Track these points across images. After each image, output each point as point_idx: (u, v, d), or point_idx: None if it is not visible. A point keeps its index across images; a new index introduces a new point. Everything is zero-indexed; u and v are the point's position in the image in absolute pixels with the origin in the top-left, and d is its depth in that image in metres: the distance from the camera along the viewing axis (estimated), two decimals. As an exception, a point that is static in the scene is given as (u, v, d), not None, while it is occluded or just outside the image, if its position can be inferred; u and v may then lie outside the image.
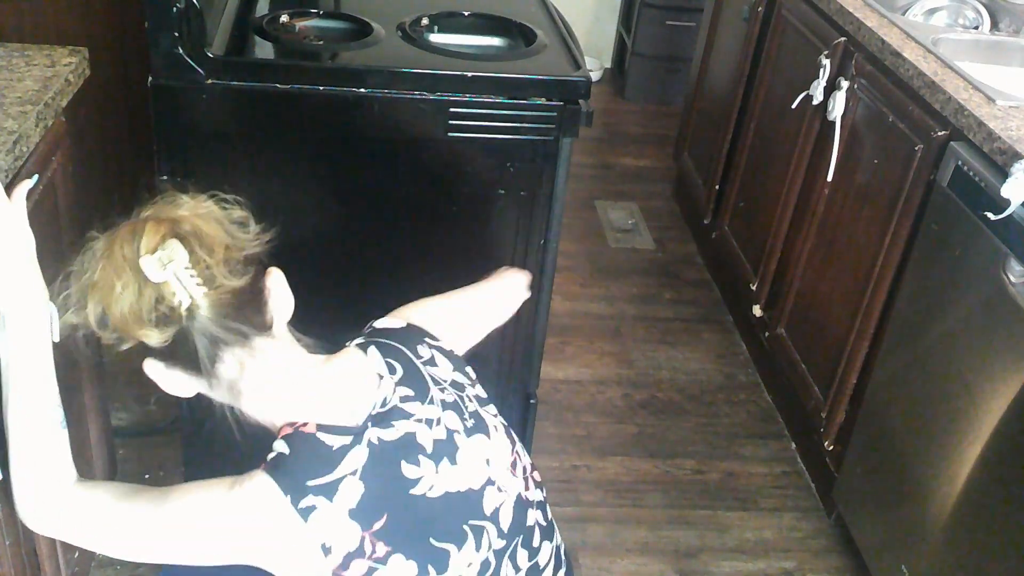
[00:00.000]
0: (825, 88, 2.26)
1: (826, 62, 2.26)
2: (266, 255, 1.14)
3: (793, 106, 2.40)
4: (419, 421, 1.16)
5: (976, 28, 2.48)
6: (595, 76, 4.45)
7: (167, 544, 1.12)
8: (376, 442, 1.12)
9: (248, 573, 1.37)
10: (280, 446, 1.10)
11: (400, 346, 1.22)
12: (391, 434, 1.13)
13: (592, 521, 2.19)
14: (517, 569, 1.23)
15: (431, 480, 1.14)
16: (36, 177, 1.32)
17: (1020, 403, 1.57)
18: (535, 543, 1.26)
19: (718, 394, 2.63)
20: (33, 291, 1.13)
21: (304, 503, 1.06)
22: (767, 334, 2.54)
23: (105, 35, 2.30)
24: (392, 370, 1.18)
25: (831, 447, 2.19)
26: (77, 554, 1.71)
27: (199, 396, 1.16)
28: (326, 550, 1.07)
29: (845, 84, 2.17)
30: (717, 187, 2.98)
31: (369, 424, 1.13)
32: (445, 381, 1.23)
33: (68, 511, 1.14)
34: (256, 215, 1.15)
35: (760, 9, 2.70)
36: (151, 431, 2.25)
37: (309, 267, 1.33)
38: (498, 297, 1.53)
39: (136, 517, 1.11)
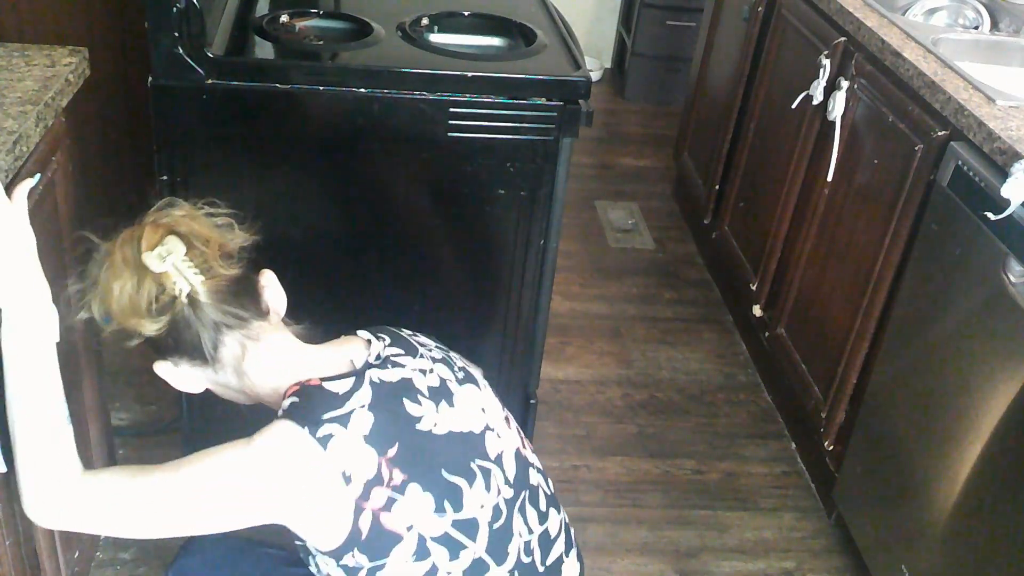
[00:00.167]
0: (825, 88, 2.26)
1: (826, 62, 2.26)
2: (260, 253, 1.23)
3: (793, 106, 2.39)
4: (413, 370, 1.24)
5: (976, 28, 2.48)
6: (595, 76, 4.45)
7: (188, 510, 1.14)
8: (377, 381, 1.19)
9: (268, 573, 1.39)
10: (290, 399, 1.16)
11: (386, 327, 1.32)
12: (390, 375, 1.21)
13: (592, 521, 2.19)
14: (530, 530, 1.27)
15: (434, 418, 1.21)
16: (38, 176, 1.32)
17: (1020, 403, 1.57)
18: (542, 506, 1.31)
19: (718, 394, 2.63)
20: (35, 289, 1.14)
21: (322, 432, 1.12)
22: (767, 334, 2.54)
23: (105, 35, 2.30)
24: (380, 338, 1.27)
25: (831, 447, 2.19)
26: (77, 554, 1.71)
27: (195, 398, 1.19)
28: (346, 478, 1.12)
29: (845, 84, 2.17)
30: (717, 187, 2.98)
31: (366, 366, 1.20)
32: (430, 345, 1.32)
33: (80, 501, 1.15)
34: (255, 215, 1.24)
35: (760, 9, 2.70)
36: (151, 431, 2.25)
37: (309, 267, 1.34)
38: None
39: (153, 489, 1.14)
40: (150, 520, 1.15)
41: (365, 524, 1.13)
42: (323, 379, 1.17)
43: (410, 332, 1.34)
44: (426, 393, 1.22)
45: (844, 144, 2.19)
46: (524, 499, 1.27)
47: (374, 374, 1.19)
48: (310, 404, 1.15)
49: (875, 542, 2.01)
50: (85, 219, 1.65)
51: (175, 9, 1.51)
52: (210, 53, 1.57)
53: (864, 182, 2.11)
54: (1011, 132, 1.66)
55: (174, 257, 1.13)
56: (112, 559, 1.95)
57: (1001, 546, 1.62)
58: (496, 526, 1.22)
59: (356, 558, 1.15)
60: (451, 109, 1.66)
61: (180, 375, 1.21)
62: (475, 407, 1.27)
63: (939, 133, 1.84)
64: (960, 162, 1.75)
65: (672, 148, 3.59)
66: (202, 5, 1.55)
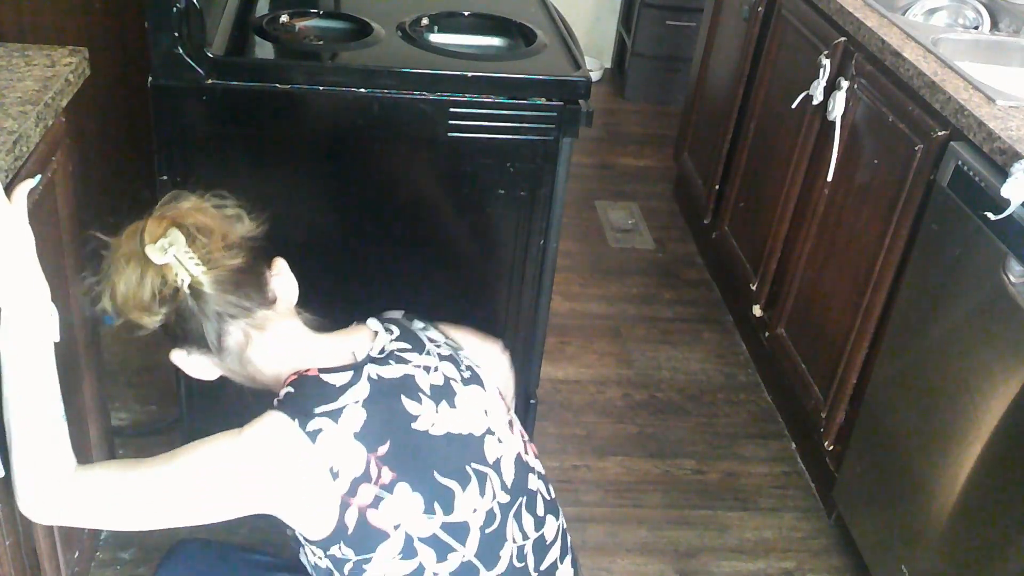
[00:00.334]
0: (825, 88, 2.26)
1: (826, 62, 2.26)
2: (267, 242, 1.24)
3: (793, 106, 2.39)
4: (417, 367, 1.24)
5: (976, 28, 2.48)
6: (595, 76, 4.45)
7: (181, 499, 1.15)
8: (375, 377, 1.19)
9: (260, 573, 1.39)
10: (286, 389, 1.18)
11: (397, 317, 1.33)
12: (389, 372, 1.21)
13: (592, 521, 2.19)
14: (524, 536, 1.26)
15: (432, 418, 1.20)
16: (38, 177, 1.32)
17: (1020, 403, 1.57)
18: (540, 511, 1.30)
19: (718, 394, 2.63)
20: (34, 288, 1.15)
21: (311, 426, 1.13)
22: (767, 334, 2.54)
23: (105, 35, 2.30)
24: (389, 331, 1.28)
25: (831, 447, 2.19)
26: (77, 554, 1.71)
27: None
28: (334, 474, 1.13)
29: (845, 84, 2.17)
30: (717, 187, 2.98)
31: (368, 361, 1.21)
32: (440, 341, 1.33)
33: (75, 496, 1.15)
34: (255, 213, 1.25)
35: (760, 9, 2.70)
36: (151, 431, 2.25)
37: (308, 266, 1.33)
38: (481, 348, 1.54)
39: (147, 479, 1.15)
40: (144, 510, 1.16)
41: (351, 520, 1.14)
42: (321, 370, 1.18)
43: (423, 325, 1.34)
44: (427, 391, 1.22)
45: (844, 144, 2.19)
46: (521, 505, 1.27)
47: (373, 370, 1.20)
48: (304, 396, 1.16)
49: (875, 542, 2.01)
50: (85, 219, 1.66)
51: (175, 9, 1.51)
52: (210, 53, 1.57)
53: (864, 182, 2.11)
54: (1011, 132, 1.66)
55: (175, 249, 1.14)
56: (112, 559, 1.95)
57: (1001, 546, 1.62)
58: (488, 531, 1.21)
59: (343, 551, 1.16)
60: (451, 109, 1.66)
61: (193, 363, 1.23)
62: (478, 409, 1.26)
63: (939, 133, 1.84)
64: (960, 162, 1.75)
65: (672, 148, 3.59)
66: (202, 5, 1.54)
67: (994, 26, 2.46)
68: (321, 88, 1.63)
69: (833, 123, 2.20)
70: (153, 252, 1.14)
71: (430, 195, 1.77)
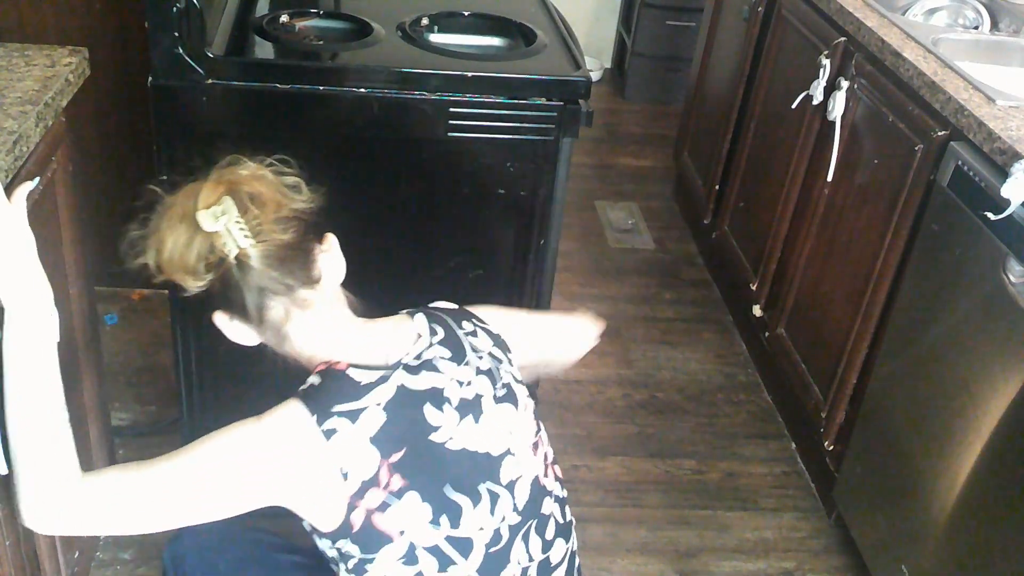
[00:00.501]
0: (825, 88, 2.26)
1: (826, 62, 2.26)
2: (321, 216, 1.23)
3: (793, 106, 2.39)
4: (451, 379, 1.21)
5: (976, 28, 2.48)
6: (595, 76, 4.45)
7: (198, 491, 1.14)
8: (404, 384, 1.18)
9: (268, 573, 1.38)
10: (313, 379, 1.18)
11: (446, 317, 1.29)
12: (418, 382, 1.19)
13: (592, 521, 2.19)
14: (530, 558, 1.25)
15: (452, 431, 1.19)
16: (37, 179, 1.32)
17: (1020, 403, 1.57)
18: (548, 535, 1.29)
19: (718, 394, 2.63)
20: (36, 289, 1.14)
21: (328, 424, 1.12)
22: (767, 334, 2.54)
23: (105, 35, 2.30)
24: (433, 332, 1.25)
25: (831, 447, 2.19)
26: (77, 554, 1.71)
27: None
28: (344, 475, 1.12)
29: (845, 84, 2.17)
30: (717, 187, 2.98)
31: (399, 367, 1.19)
32: (483, 351, 1.28)
33: (82, 503, 1.13)
34: (314, 185, 1.24)
35: (760, 9, 2.70)
36: (151, 431, 2.25)
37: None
38: (563, 330, 1.55)
39: (158, 477, 1.14)
40: (160, 508, 1.14)
41: (357, 520, 1.14)
42: (351, 365, 1.17)
43: (471, 328, 1.30)
44: (454, 404, 1.20)
45: (844, 144, 2.19)
46: (530, 527, 1.25)
47: (403, 376, 1.18)
48: (326, 390, 1.15)
49: (875, 542, 2.01)
50: (85, 219, 1.66)
51: (175, 9, 1.51)
52: (210, 53, 1.57)
53: (864, 182, 2.11)
54: (1011, 132, 1.66)
55: (227, 218, 1.12)
56: (112, 559, 1.95)
57: (1001, 546, 1.62)
58: (493, 550, 1.20)
59: (348, 547, 1.16)
60: (451, 109, 1.66)
61: (234, 329, 1.21)
62: (502, 428, 1.24)
63: (939, 133, 1.84)
64: (960, 162, 1.75)
65: (672, 148, 3.59)
66: (202, 5, 1.54)
67: (994, 26, 2.46)
68: (321, 88, 1.63)
69: (833, 123, 2.20)
70: (205, 218, 1.12)
71: (430, 195, 1.77)
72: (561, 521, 1.32)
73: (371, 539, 1.14)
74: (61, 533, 1.19)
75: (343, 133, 1.69)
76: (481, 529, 1.19)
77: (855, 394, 2.11)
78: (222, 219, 1.13)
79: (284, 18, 1.82)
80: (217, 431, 1.15)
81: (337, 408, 1.13)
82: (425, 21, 1.89)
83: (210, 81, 1.58)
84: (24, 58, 1.49)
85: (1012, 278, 1.60)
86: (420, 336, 1.24)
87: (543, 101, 1.68)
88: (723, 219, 2.94)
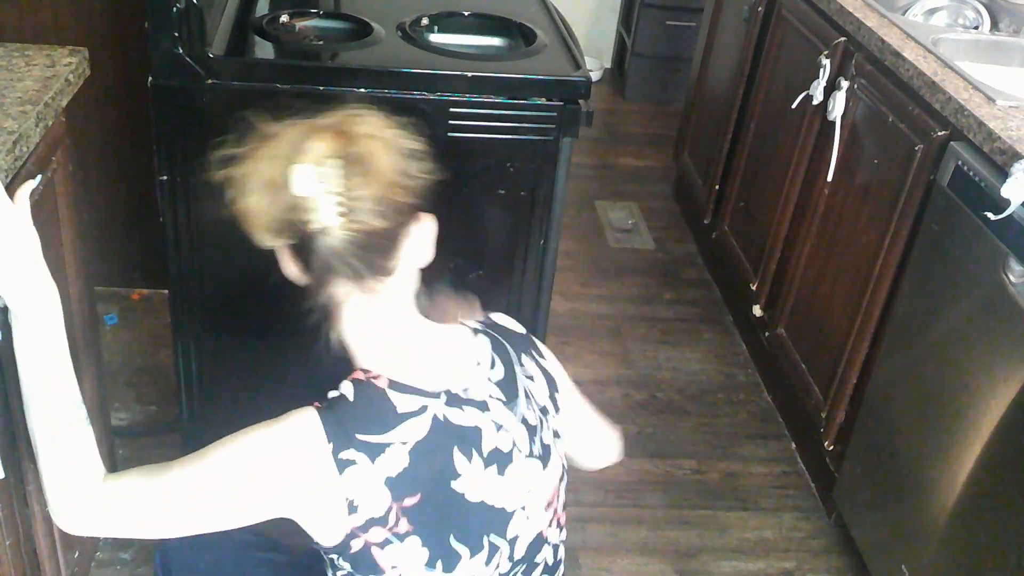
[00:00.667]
0: (825, 88, 2.26)
1: (826, 62, 2.26)
2: (426, 195, 1.11)
3: (793, 106, 2.39)
4: (491, 421, 1.15)
5: (976, 28, 2.48)
6: (595, 76, 4.45)
7: (211, 499, 1.09)
8: (441, 419, 1.11)
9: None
10: (346, 388, 1.10)
11: (510, 349, 1.22)
12: (459, 417, 1.12)
13: (592, 521, 2.19)
14: None
15: (474, 481, 1.14)
16: (39, 178, 1.32)
17: (1020, 403, 1.57)
18: None
19: (718, 394, 2.63)
20: (43, 289, 1.13)
21: (345, 455, 1.06)
22: (767, 334, 2.54)
23: (105, 35, 2.30)
24: (493, 364, 1.18)
25: (831, 447, 2.19)
26: (77, 554, 1.71)
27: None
28: (352, 508, 1.08)
29: (845, 84, 2.17)
30: (717, 187, 2.98)
31: (443, 396, 1.12)
32: (537, 402, 1.22)
33: (105, 507, 1.11)
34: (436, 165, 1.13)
35: (760, 9, 2.70)
36: (151, 431, 2.25)
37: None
38: (597, 432, 1.43)
39: (175, 483, 1.09)
40: (182, 513, 1.11)
41: (356, 546, 1.11)
42: (392, 382, 1.10)
43: (531, 371, 1.22)
44: (484, 451, 1.14)
45: (844, 144, 2.19)
46: (518, 573, 1.23)
47: (442, 410, 1.11)
48: (354, 412, 1.08)
49: (875, 542, 2.01)
50: (85, 219, 1.66)
51: (175, 9, 1.51)
52: (210, 53, 1.57)
53: (864, 182, 2.11)
54: (1011, 132, 1.66)
55: (324, 187, 1.01)
56: (112, 559, 1.95)
57: (1001, 546, 1.62)
58: None
59: (341, 562, 1.13)
60: (451, 109, 1.66)
61: (289, 268, 1.12)
62: (524, 486, 1.18)
63: (939, 133, 1.84)
64: (960, 162, 1.75)
65: (672, 148, 3.59)
66: (202, 5, 1.54)
67: (994, 26, 2.46)
68: (321, 88, 1.63)
69: (833, 123, 2.20)
70: (299, 175, 1.01)
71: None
72: (551, 562, 1.28)
73: (365, 564, 1.12)
74: (89, 533, 1.14)
75: (343, 133, 1.68)
76: (472, 575, 1.16)
77: (855, 394, 2.11)
78: (319, 186, 1.01)
79: (284, 18, 1.82)
80: (233, 435, 1.10)
81: (361, 437, 1.07)
82: (425, 21, 1.89)
83: (210, 81, 1.58)
84: (24, 58, 1.49)
85: (1012, 278, 1.60)
86: (479, 364, 1.17)
87: (543, 101, 1.68)
88: (723, 219, 2.94)
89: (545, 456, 1.21)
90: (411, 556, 1.12)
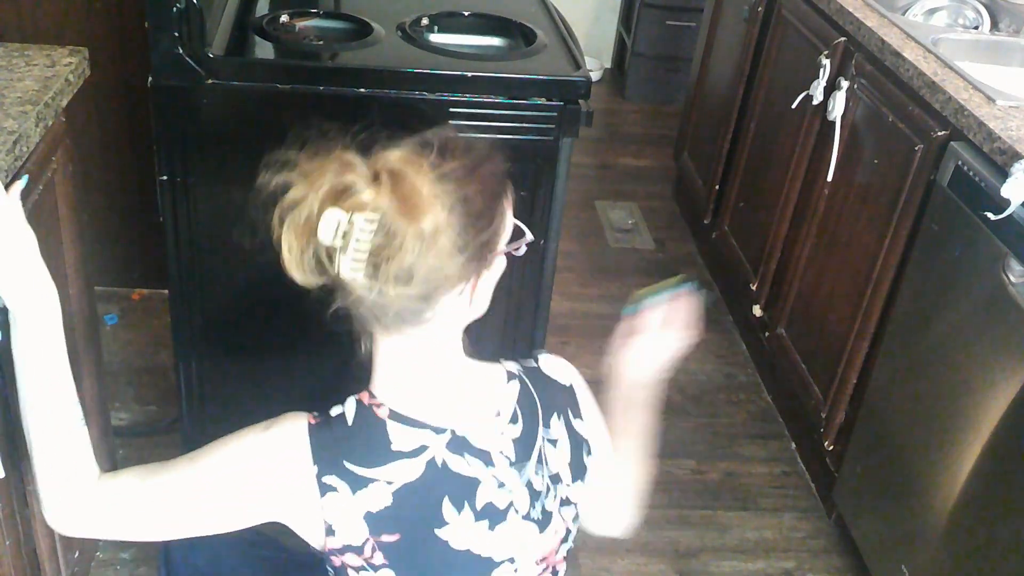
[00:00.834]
0: (825, 88, 2.26)
1: (826, 62, 2.26)
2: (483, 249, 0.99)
3: (793, 106, 2.39)
4: (493, 476, 1.11)
5: (976, 28, 2.48)
6: (595, 76, 4.45)
7: (201, 502, 1.09)
8: (438, 463, 1.07)
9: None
10: (349, 407, 1.08)
11: (540, 407, 1.15)
12: (459, 465, 1.08)
13: (592, 521, 2.19)
14: None
15: (461, 531, 1.10)
16: (26, 178, 1.31)
17: (1020, 403, 1.57)
18: None
19: (718, 394, 2.63)
20: (42, 289, 1.12)
21: (328, 480, 1.05)
22: (767, 334, 2.54)
23: (105, 35, 2.30)
24: (514, 419, 1.12)
25: (831, 447, 2.19)
26: (77, 554, 1.71)
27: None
28: (329, 530, 1.07)
29: (845, 84, 2.17)
30: (717, 187, 2.98)
31: (448, 435, 1.08)
32: (550, 469, 1.16)
33: (98, 508, 1.11)
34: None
35: (760, 9, 2.70)
36: (151, 431, 2.25)
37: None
38: (613, 499, 1.35)
39: (167, 485, 1.09)
40: (173, 517, 1.11)
41: (336, 561, 1.10)
42: (393, 412, 1.07)
43: (556, 435, 1.15)
44: (478, 505, 1.10)
45: (844, 144, 2.19)
46: None
47: (442, 451, 1.07)
48: (347, 438, 1.06)
49: (875, 542, 2.01)
50: (85, 220, 1.66)
51: (175, 9, 1.51)
52: (210, 53, 1.57)
53: (864, 182, 2.11)
54: (1011, 132, 1.66)
55: (350, 240, 0.91)
56: (112, 559, 1.95)
57: (1001, 546, 1.62)
58: None
59: (329, 570, 1.13)
60: (451, 109, 1.66)
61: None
62: (515, 541, 1.14)
63: (939, 133, 1.83)
64: (960, 162, 1.75)
65: (672, 148, 3.59)
66: (202, 5, 1.54)
67: (994, 26, 2.46)
68: (321, 88, 1.63)
69: (833, 123, 2.20)
70: (323, 224, 0.91)
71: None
72: None
73: None
74: (82, 534, 1.14)
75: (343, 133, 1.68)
76: None
77: (855, 394, 2.11)
78: (345, 239, 0.92)
79: (284, 18, 1.82)
80: (226, 438, 1.10)
81: (348, 465, 1.04)
82: (425, 21, 1.89)
83: (210, 81, 1.57)
84: (24, 58, 1.49)
85: (1012, 278, 1.60)
86: (499, 415, 1.12)
87: (543, 101, 1.68)
88: (723, 219, 2.94)
89: (544, 521, 1.15)
90: None
